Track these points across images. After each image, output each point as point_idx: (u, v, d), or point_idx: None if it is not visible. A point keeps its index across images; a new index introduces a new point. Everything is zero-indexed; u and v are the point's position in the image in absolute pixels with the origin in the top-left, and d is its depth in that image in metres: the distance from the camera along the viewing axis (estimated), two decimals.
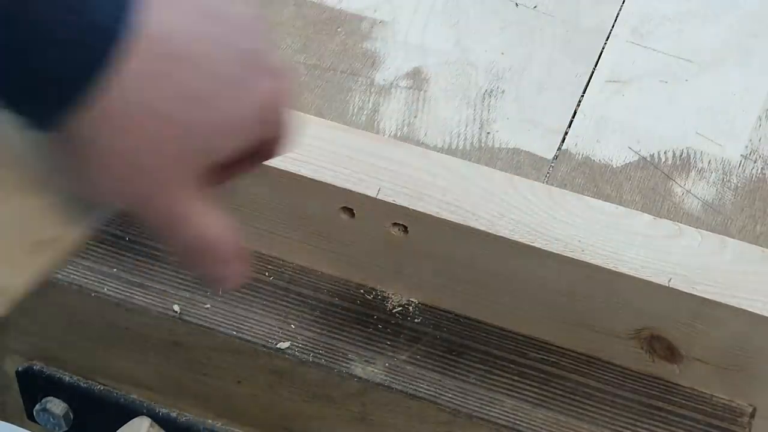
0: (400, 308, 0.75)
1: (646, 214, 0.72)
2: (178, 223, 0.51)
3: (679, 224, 0.71)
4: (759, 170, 0.85)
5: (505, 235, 0.70)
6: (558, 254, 0.69)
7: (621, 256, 0.69)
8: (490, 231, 0.70)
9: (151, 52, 0.46)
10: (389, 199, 0.72)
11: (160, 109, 0.47)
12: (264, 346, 0.73)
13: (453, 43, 0.94)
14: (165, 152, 0.48)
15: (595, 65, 0.93)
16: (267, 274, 0.77)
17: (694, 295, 0.68)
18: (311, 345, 0.73)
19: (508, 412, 0.70)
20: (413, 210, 0.71)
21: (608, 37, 0.95)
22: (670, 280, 0.68)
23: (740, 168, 0.85)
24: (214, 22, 0.49)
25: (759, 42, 0.95)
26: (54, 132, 0.47)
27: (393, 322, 0.75)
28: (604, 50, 0.94)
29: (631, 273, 0.68)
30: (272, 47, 0.52)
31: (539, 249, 0.70)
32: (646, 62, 0.93)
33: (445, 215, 0.71)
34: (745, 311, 0.67)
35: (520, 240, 0.70)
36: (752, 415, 0.71)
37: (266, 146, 0.54)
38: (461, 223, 0.71)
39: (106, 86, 0.45)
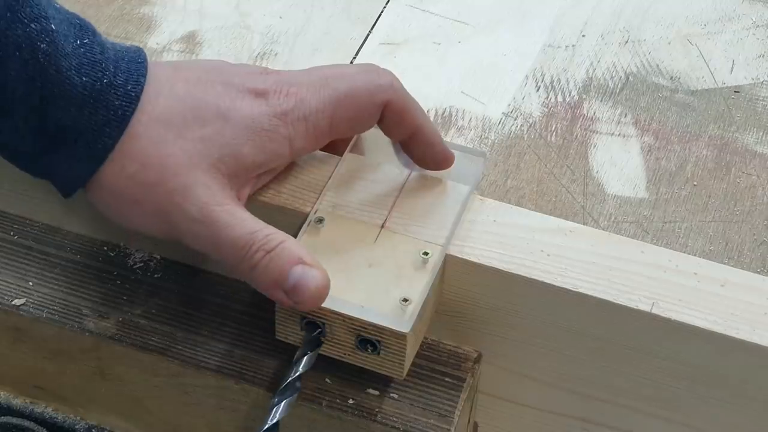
0: (142, 264, 0.76)
1: None
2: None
3: None
4: (518, 127, 0.87)
5: None
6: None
7: None
8: None
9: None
10: None
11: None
12: None
13: (232, 8, 0.95)
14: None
15: (372, 28, 0.94)
16: (12, 233, 0.78)
17: None
18: (47, 301, 0.74)
19: (235, 362, 0.72)
20: None
21: (388, 1, 0.96)
22: None
23: (500, 125, 0.87)
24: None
25: (534, 5, 0.96)
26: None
27: (133, 277, 0.76)
28: (383, 14, 0.95)
29: None
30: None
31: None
32: (422, 25, 0.95)
33: None
34: (457, 258, 0.69)
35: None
36: (477, 360, 0.73)
37: None
38: None
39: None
